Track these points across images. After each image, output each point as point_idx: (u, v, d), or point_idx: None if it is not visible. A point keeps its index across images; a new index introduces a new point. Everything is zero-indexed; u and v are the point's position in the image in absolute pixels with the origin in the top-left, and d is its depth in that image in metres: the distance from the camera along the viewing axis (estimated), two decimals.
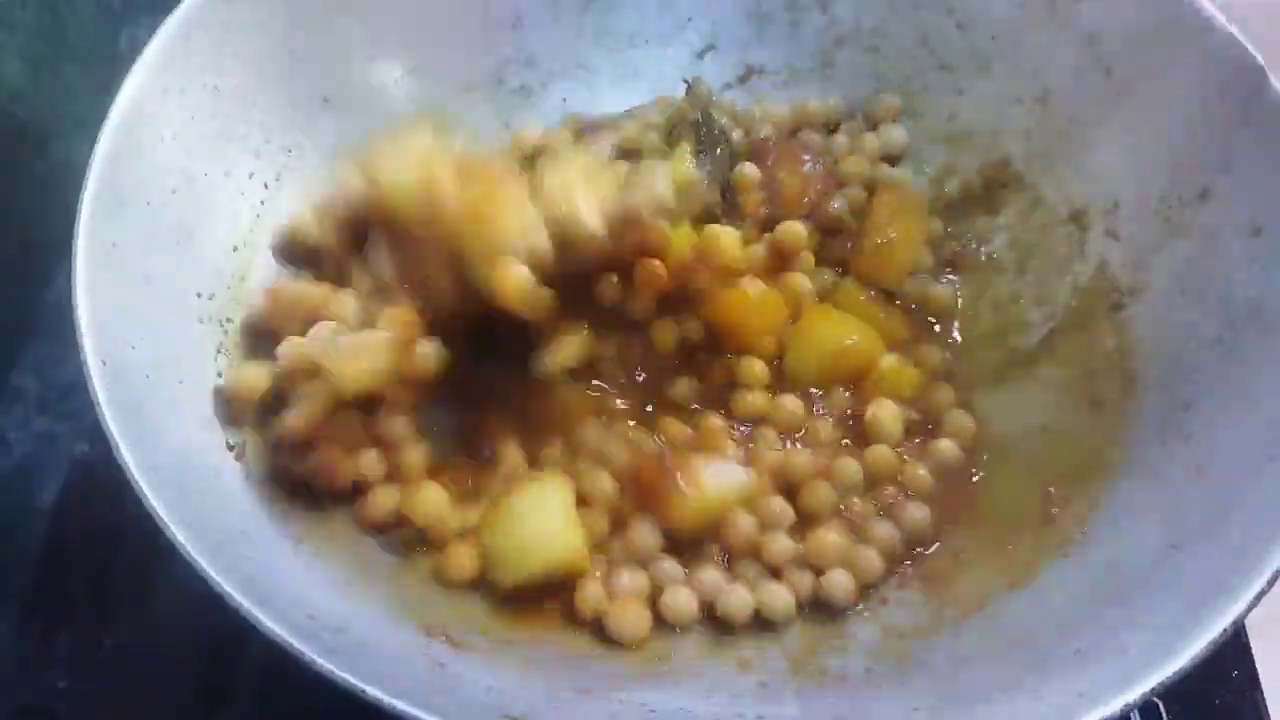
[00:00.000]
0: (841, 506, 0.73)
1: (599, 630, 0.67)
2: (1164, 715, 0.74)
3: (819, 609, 0.70)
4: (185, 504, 0.55)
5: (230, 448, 0.64)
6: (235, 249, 0.73)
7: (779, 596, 0.68)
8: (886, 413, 0.76)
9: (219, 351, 0.68)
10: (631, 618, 0.67)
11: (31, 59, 0.85)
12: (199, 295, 0.68)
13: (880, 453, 0.75)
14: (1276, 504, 0.58)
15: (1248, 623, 0.55)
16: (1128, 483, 0.69)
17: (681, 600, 0.68)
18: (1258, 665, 0.77)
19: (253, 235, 0.74)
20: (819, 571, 0.70)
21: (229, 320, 0.70)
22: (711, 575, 0.69)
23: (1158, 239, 0.76)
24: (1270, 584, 0.55)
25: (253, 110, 0.75)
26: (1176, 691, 0.52)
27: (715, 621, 0.68)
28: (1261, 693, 0.76)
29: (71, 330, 0.58)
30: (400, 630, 0.61)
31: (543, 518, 0.67)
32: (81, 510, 0.81)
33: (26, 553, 0.80)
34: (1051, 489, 0.73)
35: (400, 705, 0.49)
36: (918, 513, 0.73)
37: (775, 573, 0.70)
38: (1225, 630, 0.53)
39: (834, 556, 0.70)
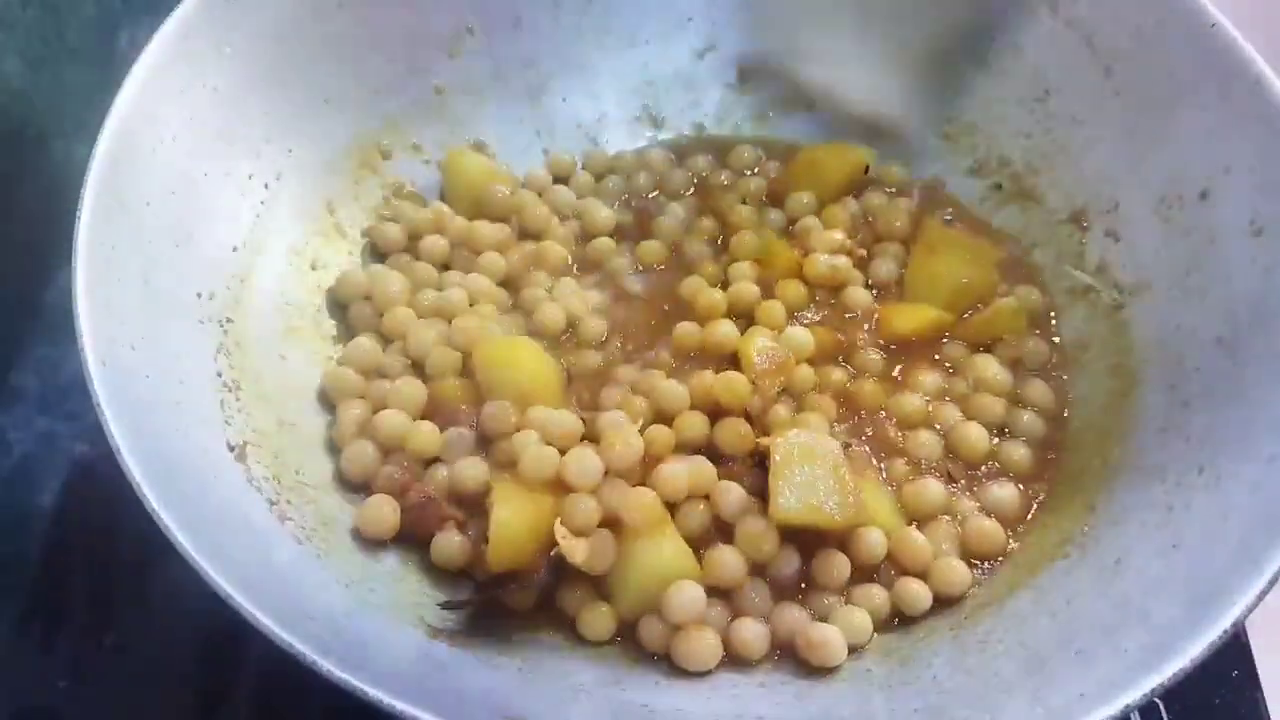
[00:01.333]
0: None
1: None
2: (1164, 715, 0.74)
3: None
4: (185, 504, 0.55)
5: (231, 448, 0.64)
6: (235, 249, 0.73)
7: (858, 620, 0.67)
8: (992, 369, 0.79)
9: (219, 351, 0.68)
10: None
11: (31, 59, 0.85)
12: (199, 295, 0.68)
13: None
14: (1277, 504, 0.58)
15: (1248, 623, 0.54)
16: (1128, 483, 0.69)
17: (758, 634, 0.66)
18: (1258, 665, 0.77)
19: (253, 235, 0.74)
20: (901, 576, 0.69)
21: (229, 320, 0.70)
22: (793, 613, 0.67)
23: (1158, 239, 0.76)
24: (1271, 585, 0.54)
25: (252, 111, 0.75)
26: (1176, 691, 0.52)
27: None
28: (1261, 693, 0.76)
29: (71, 330, 0.58)
30: (401, 631, 0.61)
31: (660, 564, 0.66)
32: (81, 510, 0.81)
33: (26, 553, 0.80)
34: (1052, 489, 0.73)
35: (400, 705, 0.49)
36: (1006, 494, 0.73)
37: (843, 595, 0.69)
38: (1226, 631, 0.53)
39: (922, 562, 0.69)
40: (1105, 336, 0.78)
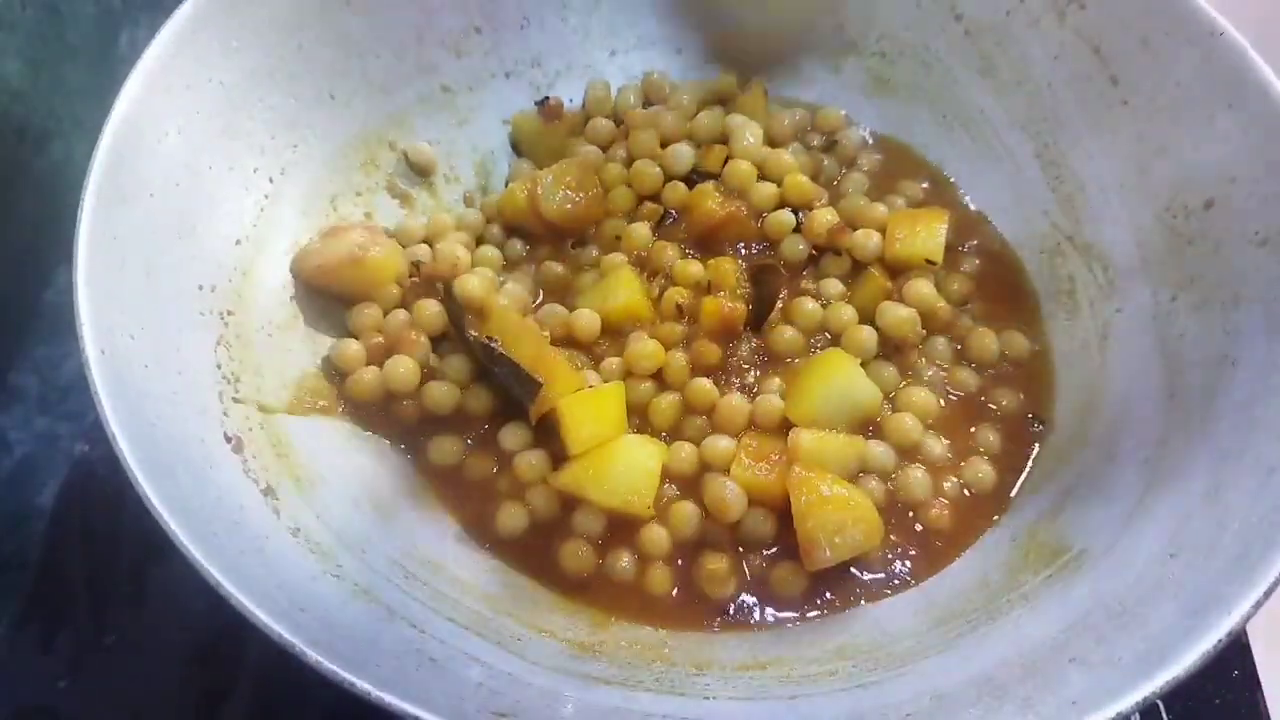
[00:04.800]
0: None
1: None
2: (1164, 715, 0.74)
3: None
4: (180, 493, 0.55)
5: (228, 439, 0.64)
6: (238, 243, 0.73)
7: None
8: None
9: (219, 343, 0.68)
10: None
11: (31, 59, 0.85)
12: (200, 288, 0.68)
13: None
14: (1276, 515, 0.58)
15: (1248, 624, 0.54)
16: (1126, 491, 0.68)
17: None
18: (1258, 665, 0.77)
19: (256, 229, 0.74)
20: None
21: (230, 313, 0.70)
22: None
23: (1162, 248, 0.76)
24: (1268, 595, 0.54)
25: (257, 106, 0.75)
26: (1177, 691, 0.52)
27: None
28: (1261, 693, 0.76)
29: (71, 330, 0.58)
30: (392, 624, 0.61)
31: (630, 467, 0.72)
32: (81, 510, 0.81)
33: (26, 553, 0.80)
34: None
35: (389, 698, 0.49)
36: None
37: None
38: (1221, 640, 0.53)
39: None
40: (1105, 344, 0.78)
